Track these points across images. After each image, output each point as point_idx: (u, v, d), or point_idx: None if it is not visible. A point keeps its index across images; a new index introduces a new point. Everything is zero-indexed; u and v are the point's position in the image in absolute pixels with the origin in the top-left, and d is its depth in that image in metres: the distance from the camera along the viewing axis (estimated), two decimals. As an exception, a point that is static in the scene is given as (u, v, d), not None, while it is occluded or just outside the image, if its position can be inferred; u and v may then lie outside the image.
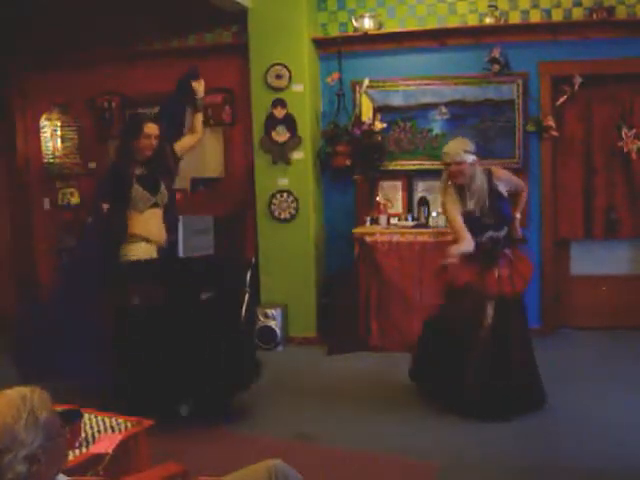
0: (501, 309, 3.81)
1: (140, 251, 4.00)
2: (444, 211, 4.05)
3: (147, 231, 4.02)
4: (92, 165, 6.33)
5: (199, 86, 4.42)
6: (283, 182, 5.56)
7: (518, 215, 4.08)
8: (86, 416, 2.78)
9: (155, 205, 4.05)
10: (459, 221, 3.85)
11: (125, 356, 3.84)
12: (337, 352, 5.26)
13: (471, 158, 3.82)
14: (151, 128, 4.02)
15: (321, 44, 5.65)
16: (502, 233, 3.90)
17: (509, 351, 3.82)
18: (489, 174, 3.88)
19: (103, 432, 2.70)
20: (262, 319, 5.48)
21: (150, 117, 4.33)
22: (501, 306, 3.82)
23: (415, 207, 5.60)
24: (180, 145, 4.26)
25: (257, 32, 5.47)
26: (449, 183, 3.91)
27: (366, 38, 5.51)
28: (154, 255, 4.05)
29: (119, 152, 4.18)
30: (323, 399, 4.36)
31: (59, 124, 6.33)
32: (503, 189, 3.90)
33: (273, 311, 5.48)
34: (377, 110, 5.58)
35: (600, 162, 5.35)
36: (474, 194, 3.82)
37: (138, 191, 3.97)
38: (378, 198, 5.64)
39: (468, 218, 3.84)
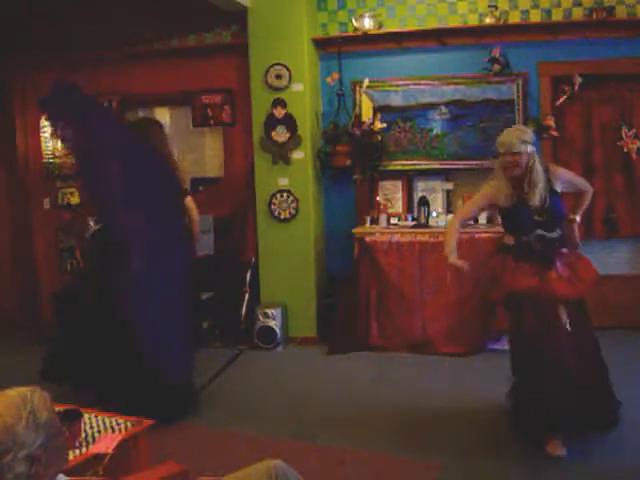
0: (572, 313, 3.39)
1: None
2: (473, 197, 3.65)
3: None
4: (92, 165, 6.33)
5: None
6: (283, 182, 5.56)
7: (578, 218, 3.72)
8: (86, 416, 2.78)
9: None
10: (467, 211, 3.65)
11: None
12: (337, 352, 5.26)
13: (529, 148, 3.41)
14: None
15: (321, 44, 5.65)
16: (554, 234, 3.47)
17: (590, 358, 3.42)
18: (546, 169, 3.49)
19: (103, 432, 2.70)
20: (262, 319, 5.47)
21: None
22: (572, 310, 3.39)
23: (415, 207, 5.59)
24: None
25: (257, 32, 5.47)
26: (500, 175, 3.49)
27: (366, 38, 5.51)
28: None
29: None
30: (323, 399, 4.36)
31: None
32: (559, 187, 3.50)
33: (273, 311, 5.47)
34: (377, 110, 5.57)
35: (600, 162, 5.35)
36: (535, 187, 3.39)
37: None
38: (378, 198, 5.64)
39: (517, 213, 3.47)
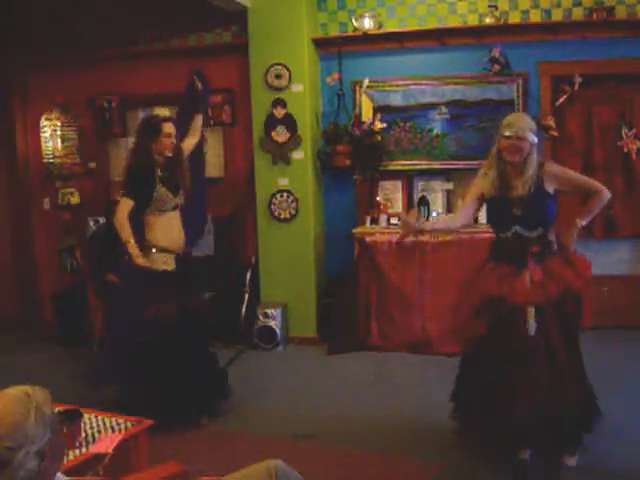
0: (544, 319, 3.15)
1: (159, 262, 3.91)
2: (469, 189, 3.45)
3: (167, 237, 3.96)
4: (92, 165, 6.34)
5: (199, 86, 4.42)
6: (283, 182, 5.56)
7: (580, 222, 3.29)
8: (86, 416, 2.79)
9: (175, 207, 4.02)
10: (466, 203, 3.42)
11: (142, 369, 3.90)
12: (337, 352, 5.26)
13: (534, 138, 3.20)
14: (170, 127, 3.94)
15: (321, 44, 5.65)
16: (534, 233, 3.20)
17: (558, 369, 3.18)
18: (541, 166, 3.24)
19: (103, 432, 2.70)
20: (262, 319, 5.47)
21: (164, 117, 4.27)
22: (544, 316, 3.15)
23: (415, 207, 5.59)
24: (184, 146, 4.20)
25: (257, 32, 5.47)
26: (495, 160, 3.26)
27: (366, 38, 5.51)
28: (171, 266, 3.97)
29: (138, 153, 4.00)
30: (323, 399, 4.36)
31: (59, 124, 6.32)
32: (550, 186, 3.23)
33: (273, 311, 5.48)
34: (377, 110, 5.57)
35: (600, 162, 5.35)
36: (526, 181, 3.17)
37: (161, 192, 3.90)
38: (378, 198, 5.64)
39: (496, 205, 3.29)
